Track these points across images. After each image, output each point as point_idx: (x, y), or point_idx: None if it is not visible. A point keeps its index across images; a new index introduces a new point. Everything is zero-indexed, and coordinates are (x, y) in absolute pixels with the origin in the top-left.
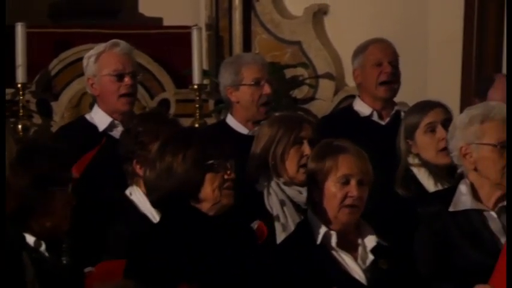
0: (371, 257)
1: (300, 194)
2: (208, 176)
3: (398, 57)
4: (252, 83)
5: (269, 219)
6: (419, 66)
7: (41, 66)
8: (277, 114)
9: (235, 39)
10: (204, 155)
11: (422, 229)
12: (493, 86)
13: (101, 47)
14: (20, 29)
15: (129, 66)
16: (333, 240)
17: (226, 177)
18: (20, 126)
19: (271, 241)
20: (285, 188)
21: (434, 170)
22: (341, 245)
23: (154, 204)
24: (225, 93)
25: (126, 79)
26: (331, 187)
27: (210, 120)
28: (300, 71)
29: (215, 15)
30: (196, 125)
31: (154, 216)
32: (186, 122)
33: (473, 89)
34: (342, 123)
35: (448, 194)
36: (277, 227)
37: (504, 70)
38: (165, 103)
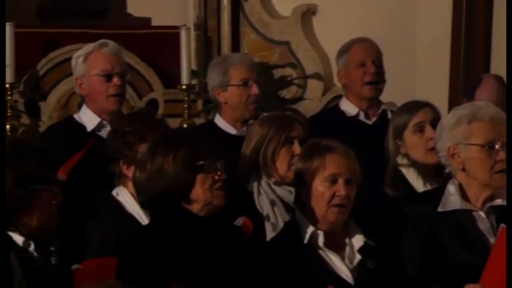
0: (358, 256)
1: (291, 194)
2: (199, 177)
3: (382, 56)
4: (240, 83)
5: (259, 219)
6: (407, 66)
7: (29, 66)
8: (268, 114)
9: (223, 40)
10: (194, 155)
11: (411, 229)
12: (481, 86)
13: (89, 47)
14: (8, 29)
15: (118, 66)
16: (320, 240)
17: (216, 177)
18: (8, 127)
19: (261, 241)
20: (276, 187)
21: (423, 170)
22: (328, 244)
23: (144, 205)
24: (213, 94)
25: (115, 79)
26: (319, 186)
27: (199, 121)
28: (289, 71)
29: (204, 15)
30: (185, 125)
31: (141, 216)
32: (174, 122)
33: (461, 89)
34: (329, 123)
35: (436, 194)
36: (268, 227)
37: (492, 70)
38: (153, 103)
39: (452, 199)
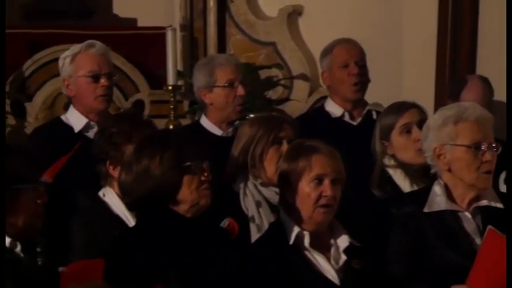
0: (344, 257)
1: (277, 195)
2: (186, 178)
3: (365, 56)
4: (226, 84)
5: (244, 220)
6: (394, 67)
7: (15, 67)
8: (258, 114)
9: (209, 40)
10: (181, 157)
11: (397, 230)
12: (466, 87)
13: (76, 47)
14: None
15: (105, 67)
16: (306, 241)
17: (203, 178)
18: None
19: (246, 242)
20: (262, 189)
21: (410, 171)
22: (314, 245)
23: (131, 206)
24: (199, 95)
25: (102, 80)
26: (305, 187)
27: (185, 121)
28: (275, 72)
29: (190, 16)
30: (171, 126)
31: (127, 217)
32: (160, 122)
33: (447, 90)
34: (315, 124)
35: (422, 195)
36: (252, 228)
37: (478, 72)
38: (139, 104)
39: (438, 200)
